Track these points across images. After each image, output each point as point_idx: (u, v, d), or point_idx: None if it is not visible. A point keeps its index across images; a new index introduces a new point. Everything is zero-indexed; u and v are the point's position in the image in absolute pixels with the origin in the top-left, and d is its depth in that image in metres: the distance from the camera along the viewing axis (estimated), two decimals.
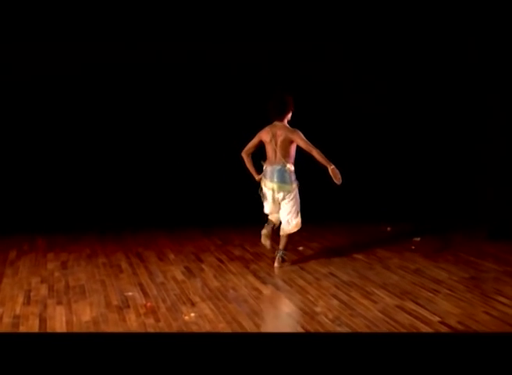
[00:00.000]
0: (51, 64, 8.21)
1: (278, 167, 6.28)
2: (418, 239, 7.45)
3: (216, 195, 8.62)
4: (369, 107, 8.63)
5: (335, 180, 6.10)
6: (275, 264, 6.45)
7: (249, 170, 6.50)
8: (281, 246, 6.51)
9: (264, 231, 6.42)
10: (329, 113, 8.67)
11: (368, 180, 8.67)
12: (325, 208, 8.32)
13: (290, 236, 6.51)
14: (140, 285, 5.83)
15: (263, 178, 6.39)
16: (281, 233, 6.51)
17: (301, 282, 5.88)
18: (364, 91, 8.63)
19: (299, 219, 6.43)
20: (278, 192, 6.32)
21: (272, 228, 6.49)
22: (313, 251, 7.07)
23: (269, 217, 6.53)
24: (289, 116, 6.39)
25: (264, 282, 5.91)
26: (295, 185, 6.37)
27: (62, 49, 8.19)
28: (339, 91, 8.67)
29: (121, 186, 8.62)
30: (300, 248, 7.13)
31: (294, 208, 6.39)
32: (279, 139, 6.28)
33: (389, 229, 7.93)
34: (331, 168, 6.08)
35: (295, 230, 6.47)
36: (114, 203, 8.51)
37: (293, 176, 6.38)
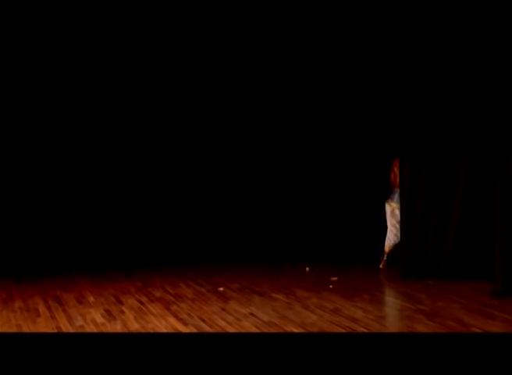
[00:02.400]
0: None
1: (399, 191, 7.89)
2: (336, 278, 7.66)
3: (137, 237, 8.60)
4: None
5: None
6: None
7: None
8: None
9: (380, 266, 8.11)
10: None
11: (285, 221, 8.86)
12: (245, 249, 8.45)
13: None
14: (59, 329, 5.73)
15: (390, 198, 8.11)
16: None
17: (222, 323, 5.92)
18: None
19: None
20: (399, 211, 7.90)
21: (387, 259, 8.08)
22: (233, 291, 7.14)
23: (385, 249, 8.09)
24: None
25: (185, 323, 5.92)
26: None
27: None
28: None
29: (39, 228, 8.48)
30: (221, 289, 7.19)
31: None
32: (395, 169, 8.03)
33: (307, 269, 8.10)
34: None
35: None
36: (31, 245, 8.34)
37: None
